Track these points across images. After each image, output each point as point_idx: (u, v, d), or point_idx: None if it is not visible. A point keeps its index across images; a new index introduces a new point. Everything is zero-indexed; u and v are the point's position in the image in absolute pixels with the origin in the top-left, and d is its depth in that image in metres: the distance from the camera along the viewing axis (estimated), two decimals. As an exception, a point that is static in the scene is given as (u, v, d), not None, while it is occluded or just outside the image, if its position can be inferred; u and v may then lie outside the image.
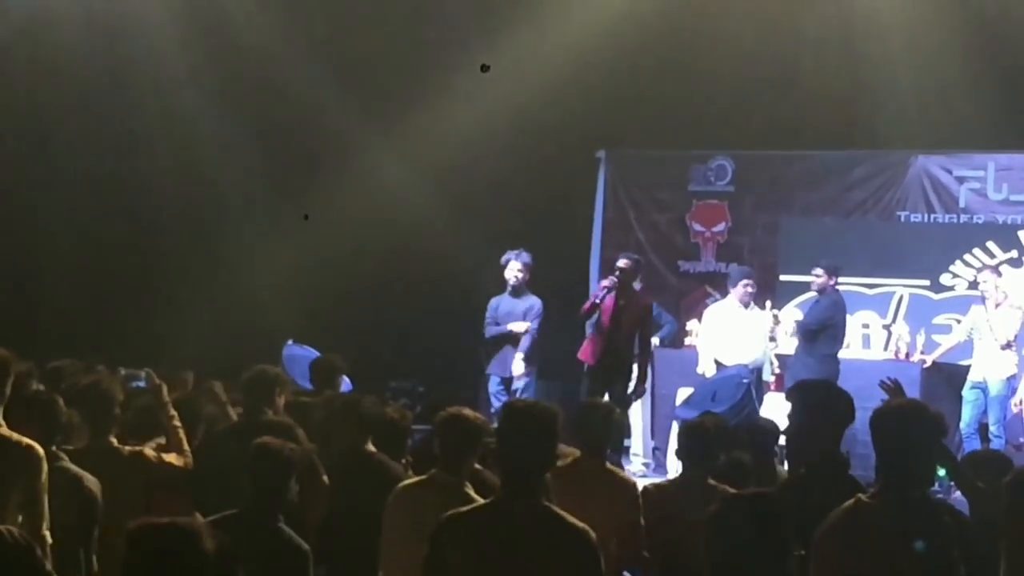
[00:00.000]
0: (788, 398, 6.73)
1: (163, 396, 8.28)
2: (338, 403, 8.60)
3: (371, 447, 8.22)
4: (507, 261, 14.78)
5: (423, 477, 7.23)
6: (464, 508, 5.80)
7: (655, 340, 15.42)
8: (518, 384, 14.63)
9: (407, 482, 7.32)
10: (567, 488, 7.10)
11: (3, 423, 6.77)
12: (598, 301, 14.06)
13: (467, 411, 7.21)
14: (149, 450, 7.93)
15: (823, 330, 14.60)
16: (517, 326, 14.68)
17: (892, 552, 5.36)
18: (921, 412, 5.67)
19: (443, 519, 5.67)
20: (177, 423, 8.15)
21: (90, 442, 7.83)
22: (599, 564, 5.44)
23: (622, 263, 14.26)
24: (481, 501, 6.15)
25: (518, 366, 14.59)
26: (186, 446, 8.05)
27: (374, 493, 7.41)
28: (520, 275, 14.71)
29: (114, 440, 7.85)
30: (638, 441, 15.66)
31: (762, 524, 4.63)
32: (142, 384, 8.82)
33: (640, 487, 8.14)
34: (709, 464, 7.88)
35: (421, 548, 5.88)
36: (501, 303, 14.88)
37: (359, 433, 8.19)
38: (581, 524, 5.48)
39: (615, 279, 14.07)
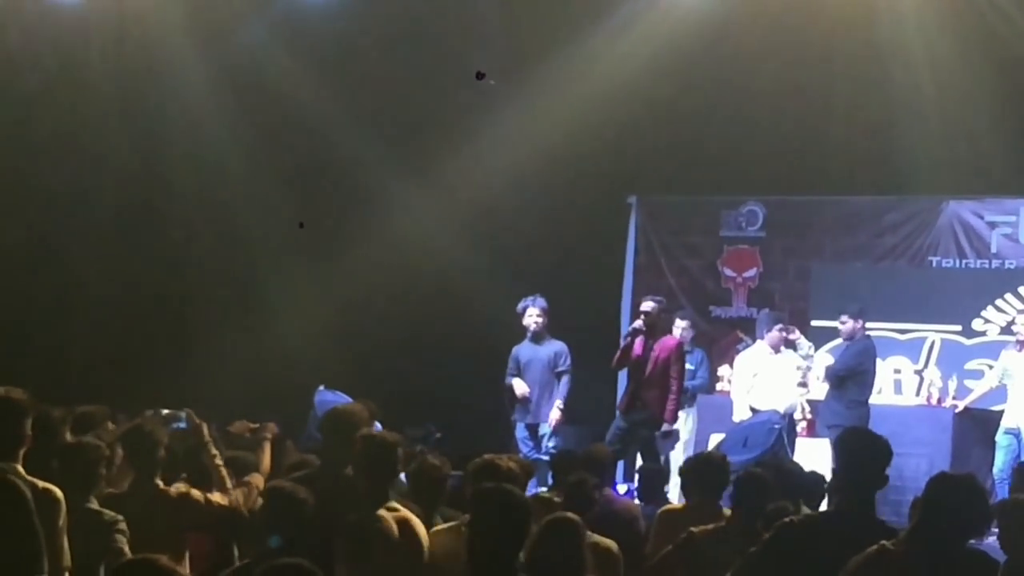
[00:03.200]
0: (833, 446, 6.80)
1: (204, 436, 8.29)
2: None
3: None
4: (524, 308, 14.75)
5: (454, 523, 7.26)
6: None
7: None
8: (545, 430, 14.60)
9: (439, 527, 7.35)
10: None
11: (21, 469, 6.80)
12: (624, 346, 14.05)
13: (500, 459, 7.27)
14: (196, 491, 7.94)
15: (852, 377, 14.58)
16: (519, 387, 14.69)
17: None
18: (978, 487, 5.76)
19: None
20: (219, 462, 8.14)
21: (135, 485, 7.84)
22: None
23: (646, 306, 14.24)
24: None
25: (555, 414, 14.56)
26: (229, 485, 8.04)
27: None
28: (540, 320, 14.69)
29: (160, 482, 7.87)
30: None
31: None
32: (183, 425, 8.84)
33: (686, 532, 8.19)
34: (758, 511, 7.98)
35: None
36: (521, 351, 14.85)
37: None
38: None
39: (641, 323, 14.06)
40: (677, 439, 14.69)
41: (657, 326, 14.19)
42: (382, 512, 7.36)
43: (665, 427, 14.07)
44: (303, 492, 6.74)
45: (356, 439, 7.91)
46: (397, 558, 7.24)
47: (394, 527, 7.33)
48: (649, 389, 14.01)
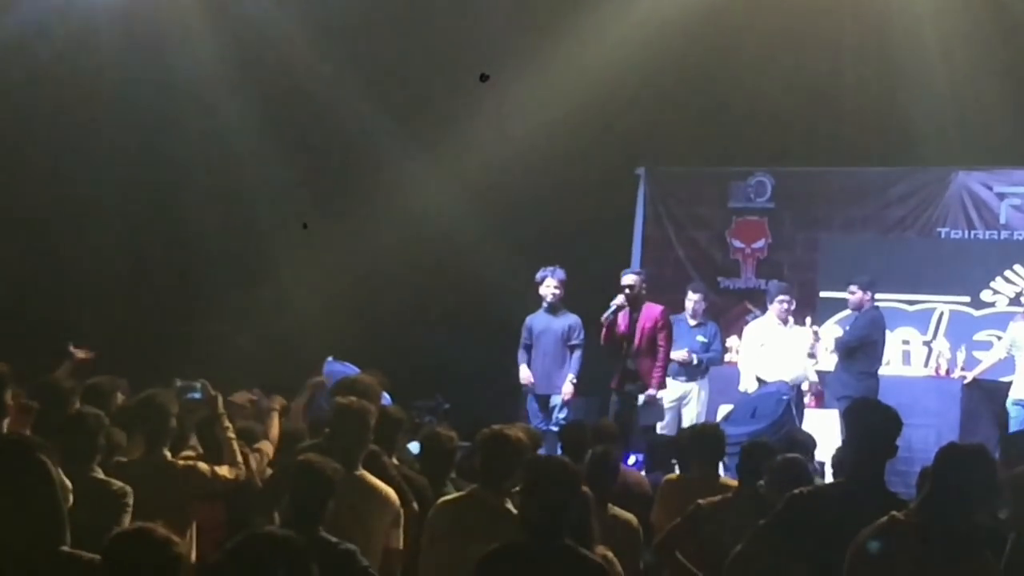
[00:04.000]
0: (843, 416, 6.80)
1: (218, 408, 8.31)
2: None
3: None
4: (543, 278, 14.75)
5: (463, 493, 7.31)
6: (502, 546, 6.09)
7: (694, 358, 15.41)
8: (556, 402, 14.62)
9: (448, 497, 7.39)
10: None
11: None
12: (606, 323, 14.00)
13: (509, 429, 7.30)
14: (203, 464, 7.97)
15: (861, 348, 14.58)
16: (524, 374, 14.73)
17: (921, 572, 5.38)
18: (987, 457, 5.76)
19: (481, 558, 6.02)
20: (232, 435, 8.16)
21: (144, 455, 7.88)
22: None
23: (628, 280, 14.15)
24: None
25: (567, 388, 14.58)
26: (239, 458, 8.07)
27: None
28: (557, 292, 14.69)
29: (168, 453, 7.89)
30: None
31: None
32: (198, 396, 8.87)
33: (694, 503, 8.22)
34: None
35: (460, 561, 6.37)
36: (535, 320, 14.87)
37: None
38: (598, 560, 6.10)
39: (623, 299, 14.01)
40: (662, 410, 14.66)
41: (639, 298, 14.12)
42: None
43: (649, 392, 14.01)
44: (332, 466, 6.77)
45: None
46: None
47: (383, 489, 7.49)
48: (640, 361, 13.98)
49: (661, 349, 14.06)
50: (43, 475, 4.90)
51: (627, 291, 13.99)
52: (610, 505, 8.30)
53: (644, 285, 14.28)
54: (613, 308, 13.96)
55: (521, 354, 14.86)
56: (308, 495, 6.51)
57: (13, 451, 5.02)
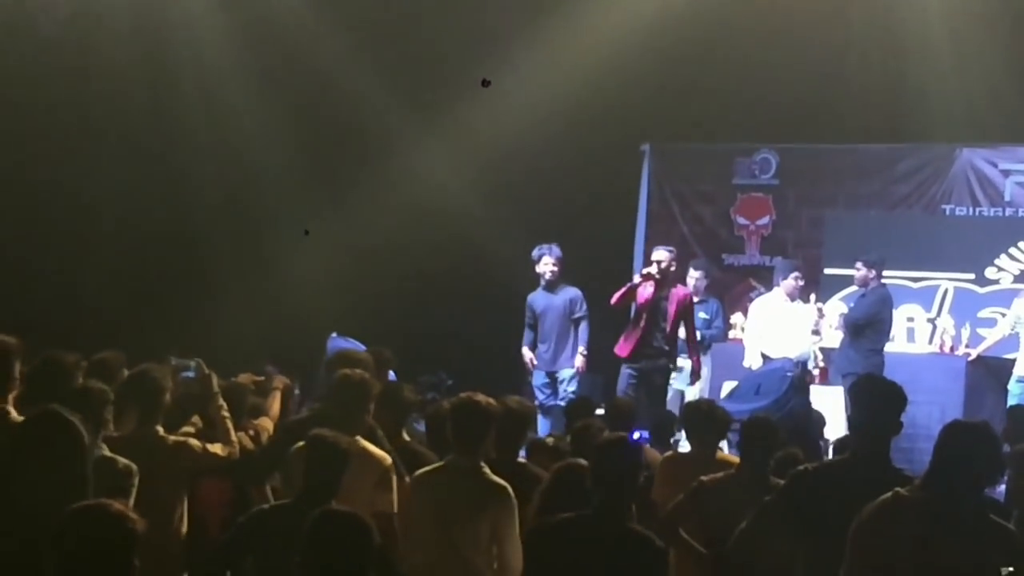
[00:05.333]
0: (848, 393, 6.80)
1: (212, 386, 8.31)
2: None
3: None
4: (540, 256, 14.75)
5: (439, 464, 7.38)
6: (556, 520, 6.24)
7: (697, 334, 15.41)
8: (564, 376, 14.62)
9: (424, 469, 7.42)
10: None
11: (13, 411, 6.85)
12: (630, 286, 14.02)
13: (480, 396, 7.38)
14: (194, 440, 7.98)
15: (869, 325, 14.56)
16: (527, 356, 14.82)
17: (925, 547, 5.38)
18: (990, 433, 5.74)
19: (537, 527, 6.32)
20: (226, 413, 8.16)
21: (136, 429, 7.88)
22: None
23: (660, 255, 14.17)
24: (495, 479, 7.01)
25: (578, 360, 14.59)
26: (233, 437, 8.08)
27: None
28: (555, 269, 14.69)
29: (160, 429, 7.90)
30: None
31: None
32: (191, 375, 8.87)
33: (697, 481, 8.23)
34: (768, 456, 8.02)
35: (439, 532, 6.85)
36: (536, 300, 14.87)
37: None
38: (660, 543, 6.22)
39: (656, 270, 14.00)
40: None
41: (668, 276, 14.15)
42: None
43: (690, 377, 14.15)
44: (344, 441, 6.82)
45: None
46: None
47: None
48: (662, 337, 13.99)
49: (692, 335, 14.23)
50: (76, 447, 4.94)
51: (658, 265, 14.01)
52: None
53: (675, 263, 14.32)
54: (643, 274, 14.00)
55: (527, 334, 14.88)
56: (323, 469, 6.55)
57: (50, 422, 5.06)
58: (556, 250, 14.74)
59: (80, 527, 4.47)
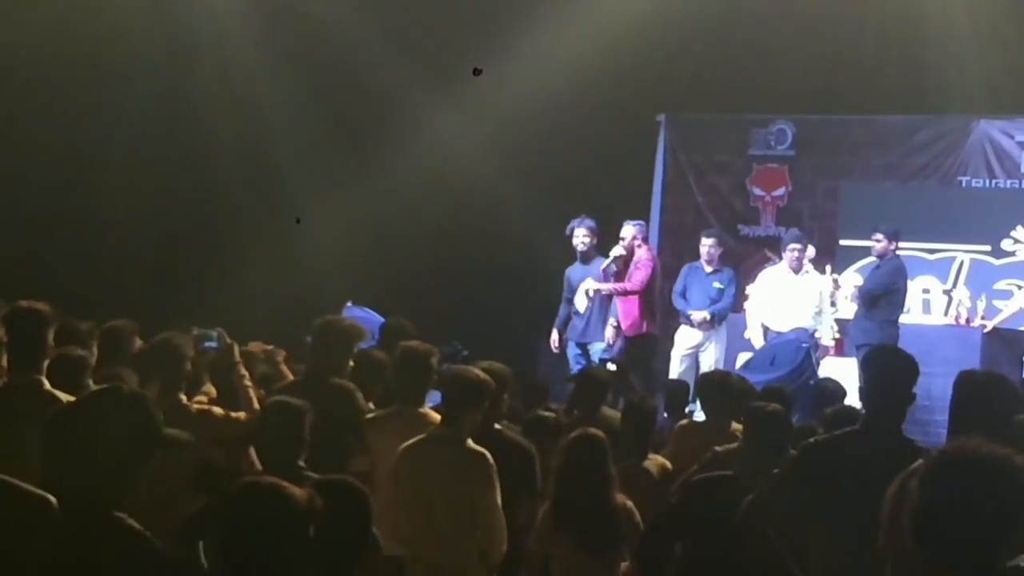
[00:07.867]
0: (861, 364, 6.79)
1: (234, 356, 8.34)
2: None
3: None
4: (571, 229, 14.76)
5: (423, 436, 7.42)
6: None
7: (707, 315, 15.22)
8: (595, 349, 14.62)
9: (409, 442, 7.44)
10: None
11: (45, 380, 6.88)
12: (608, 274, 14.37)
13: (471, 369, 7.45)
14: (217, 408, 8.01)
15: (885, 296, 14.53)
16: (553, 340, 14.95)
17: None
18: (1005, 381, 5.74)
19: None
20: (248, 383, 8.20)
21: (158, 398, 7.89)
22: None
23: (626, 230, 14.48)
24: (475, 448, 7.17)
25: (608, 331, 14.62)
26: (256, 405, 8.11)
27: None
28: (588, 240, 14.70)
29: (183, 397, 7.94)
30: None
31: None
32: (214, 344, 8.90)
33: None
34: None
35: (422, 502, 7.08)
36: (572, 273, 14.90)
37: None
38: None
39: (622, 250, 14.19)
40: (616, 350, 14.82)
41: (634, 251, 14.46)
42: None
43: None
44: (303, 404, 6.90)
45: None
46: None
47: None
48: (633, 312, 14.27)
49: (656, 297, 14.59)
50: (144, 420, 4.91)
51: (622, 241, 14.48)
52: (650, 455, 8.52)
53: (639, 238, 14.69)
54: (612, 260, 14.32)
55: (563, 307, 14.92)
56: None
57: (114, 397, 5.02)
58: (588, 221, 14.74)
59: (249, 504, 4.24)
